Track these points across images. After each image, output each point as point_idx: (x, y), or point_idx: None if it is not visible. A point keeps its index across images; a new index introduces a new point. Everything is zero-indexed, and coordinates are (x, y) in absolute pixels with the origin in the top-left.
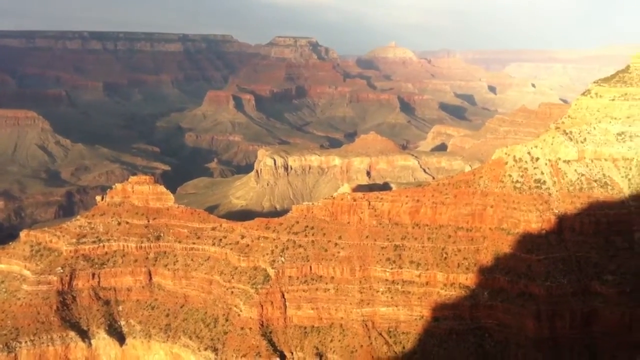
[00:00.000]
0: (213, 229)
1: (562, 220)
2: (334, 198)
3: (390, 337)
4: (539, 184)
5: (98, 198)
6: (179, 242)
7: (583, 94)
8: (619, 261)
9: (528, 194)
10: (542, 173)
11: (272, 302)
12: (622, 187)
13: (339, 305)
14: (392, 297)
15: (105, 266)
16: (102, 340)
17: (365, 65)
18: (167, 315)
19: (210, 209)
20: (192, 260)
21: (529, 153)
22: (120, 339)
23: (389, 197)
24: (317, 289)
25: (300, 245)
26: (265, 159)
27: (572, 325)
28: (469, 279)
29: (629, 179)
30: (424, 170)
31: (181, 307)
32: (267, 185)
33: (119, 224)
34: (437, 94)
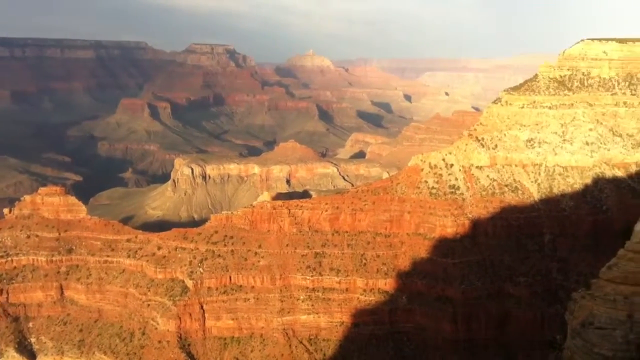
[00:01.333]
0: (128, 240)
1: (476, 225)
2: (253, 207)
3: (311, 344)
4: (453, 190)
5: (6, 211)
6: (92, 255)
7: (494, 102)
8: (530, 263)
9: (443, 199)
10: (457, 179)
11: (190, 314)
12: (532, 192)
13: (260, 315)
14: (312, 305)
15: (14, 281)
16: (11, 359)
17: (284, 74)
18: (81, 331)
19: (125, 220)
20: (106, 273)
21: (443, 160)
22: (31, 356)
23: (309, 205)
24: (237, 299)
25: (219, 255)
26: (182, 168)
27: (487, 327)
28: (388, 284)
29: (538, 184)
30: (343, 178)
31: (95, 322)
32: (185, 194)
33: (28, 237)
34: (355, 102)
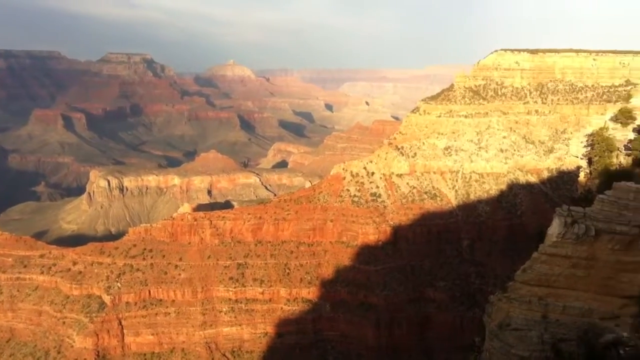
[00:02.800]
0: (41, 256)
1: (397, 231)
2: (173, 218)
3: (234, 357)
4: (375, 198)
5: None
6: (3, 272)
7: (412, 111)
8: (450, 268)
9: (365, 207)
10: (378, 187)
11: (108, 330)
12: (450, 198)
13: (181, 329)
14: (235, 317)
15: None
16: None
17: (204, 83)
18: None
19: (39, 235)
20: (18, 290)
21: (364, 168)
22: None
23: (231, 216)
24: (156, 314)
25: (138, 269)
26: (98, 180)
27: (409, 332)
28: (311, 293)
29: (456, 190)
30: (266, 187)
31: (7, 342)
32: (101, 207)
33: None
34: (277, 111)
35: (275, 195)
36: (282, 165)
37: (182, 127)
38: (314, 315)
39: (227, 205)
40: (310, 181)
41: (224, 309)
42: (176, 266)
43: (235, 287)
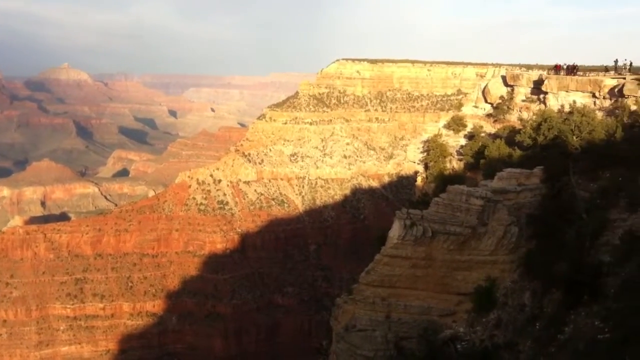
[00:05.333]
0: None
1: (245, 239)
2: (3, 233)
3: None
4: (222, 205)
5: None
6: None
7: (259, 118)
8: (297, 273)
9: (212, 215)
10: (225, 194)
11: None
12: (297, 204)
13: (14, 351)
14: (74, 335)
15: None
16: None
17: (36, 88)
18: None
19: None
20: None
21: (211, 175)
22: None
23: (68, 228)
24: None
25: None
26: None
27: (257, 339)
28: (156, 306)
29: (303, 196)
30: (106, 198)
31: None
32: None
33: None
34: (117, 117)
35: (116, 205)
36: (123, 173)
37: (12, 135)
38: (160, 329)
39: (64, 217)
40: (153, 190)
41: (62, 327)
42: (7, 284)
43: (73, 304)
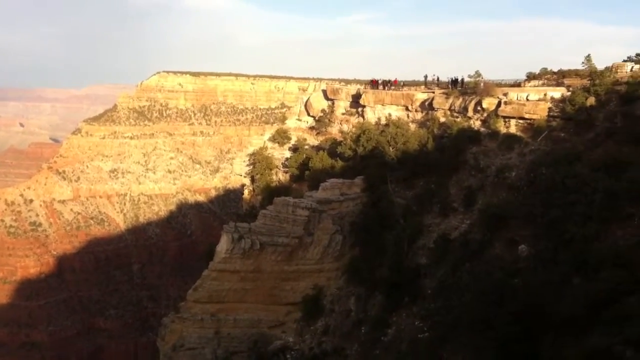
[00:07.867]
0: None
1: (62, 262)
2: None
3: None
4: (35, 227)
5: None
6: None
7: (74, 133)
8: (121, 295)
9: (24, 238)
10: (38, 215)
11: None
12: (119, 222)
13: None
14: None
15: None
16: None
17: None
18: None
19: None
20: None
21: (21, 195)
22: None
23: None
24: None
25: None
26: None
27: None
28: None
29: (124, 214)
30: None
31: None
32: None
33: None
34: None
35: None
36: None
37: None
38: None
39: None
40: None
41: None
42: None
43: None
